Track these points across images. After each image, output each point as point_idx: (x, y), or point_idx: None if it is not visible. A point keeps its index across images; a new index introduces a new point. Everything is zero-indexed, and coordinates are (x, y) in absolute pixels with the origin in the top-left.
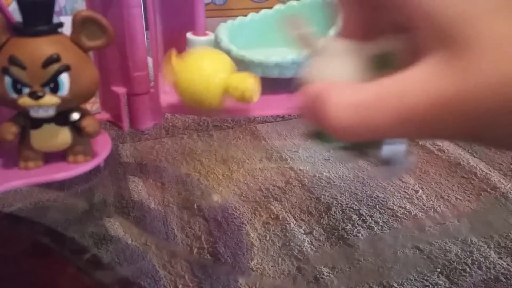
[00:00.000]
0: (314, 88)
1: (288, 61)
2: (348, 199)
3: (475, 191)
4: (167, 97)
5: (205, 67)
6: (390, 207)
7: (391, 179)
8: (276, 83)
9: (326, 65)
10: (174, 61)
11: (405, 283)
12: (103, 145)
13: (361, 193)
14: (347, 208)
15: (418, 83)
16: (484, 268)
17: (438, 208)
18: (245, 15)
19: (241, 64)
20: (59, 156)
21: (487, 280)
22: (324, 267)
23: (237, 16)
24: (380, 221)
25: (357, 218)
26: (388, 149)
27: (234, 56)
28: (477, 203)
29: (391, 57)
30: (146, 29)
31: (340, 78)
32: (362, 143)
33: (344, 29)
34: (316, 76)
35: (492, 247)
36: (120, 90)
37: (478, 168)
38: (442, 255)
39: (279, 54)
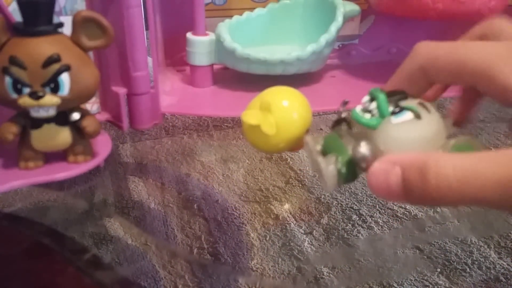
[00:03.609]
0: (410, 158)
1: (292, 57)
2: (348, 199)
3: None
4: (167, 97)
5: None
6: (390, 207)
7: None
8: (279, 80)
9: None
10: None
11: (405, 283)
12: (103, 145)
13: (361, 193)
14: (347, 208)
15: None
16: (484, 268)
17: (438, 208)
18: None
19: (246, 63)
20: (59, 156)
21: (487, 280)
22: (324, 267)
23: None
24: (380, 221)
25: (357, 218)
26: None
27: (239, 54)
28: None
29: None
30: (146, 29)
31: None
32: None
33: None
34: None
35: (492, 247)
36: (120, 90)
37: None
38: (442, 255)
39: (279, 51)
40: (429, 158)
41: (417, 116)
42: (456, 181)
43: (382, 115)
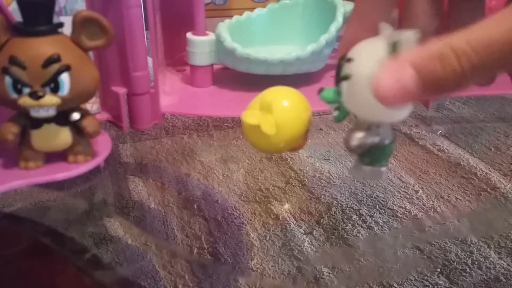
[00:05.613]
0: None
1: (292, 57)
2: (348, 199)
3: (475, 191)
4: (167, 97)
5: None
6: (390, 207)
7: (375, 177)
8: (279, 80)
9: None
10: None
11: (405, 283)
12: (103, 145)
13: (361, 193)
14: (347, 208)
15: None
16: (484, 268)
17: (438, 208)
18: None
19: (246, 63)
20: (59, 156)
21: (487, 280)
22: (324, 267)
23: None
24: (380, 221)
25: (357, 218)
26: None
27: (239, 54)
28: (477, 203)
29: (398, 46)
30: (146, 29)
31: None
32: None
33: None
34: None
35: (492, 247)
36: (120, 90)
37: (478, 168)
38: (442, 255)
39: (279, 51)
40: (440, 45)
41: (347, 77)
42: (475, 56)
43: (340, 108)
